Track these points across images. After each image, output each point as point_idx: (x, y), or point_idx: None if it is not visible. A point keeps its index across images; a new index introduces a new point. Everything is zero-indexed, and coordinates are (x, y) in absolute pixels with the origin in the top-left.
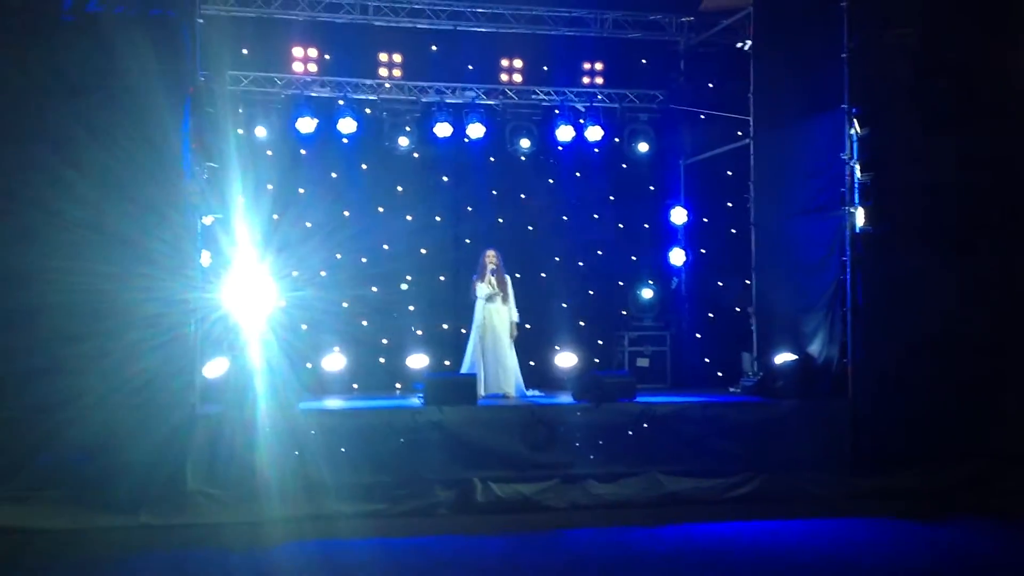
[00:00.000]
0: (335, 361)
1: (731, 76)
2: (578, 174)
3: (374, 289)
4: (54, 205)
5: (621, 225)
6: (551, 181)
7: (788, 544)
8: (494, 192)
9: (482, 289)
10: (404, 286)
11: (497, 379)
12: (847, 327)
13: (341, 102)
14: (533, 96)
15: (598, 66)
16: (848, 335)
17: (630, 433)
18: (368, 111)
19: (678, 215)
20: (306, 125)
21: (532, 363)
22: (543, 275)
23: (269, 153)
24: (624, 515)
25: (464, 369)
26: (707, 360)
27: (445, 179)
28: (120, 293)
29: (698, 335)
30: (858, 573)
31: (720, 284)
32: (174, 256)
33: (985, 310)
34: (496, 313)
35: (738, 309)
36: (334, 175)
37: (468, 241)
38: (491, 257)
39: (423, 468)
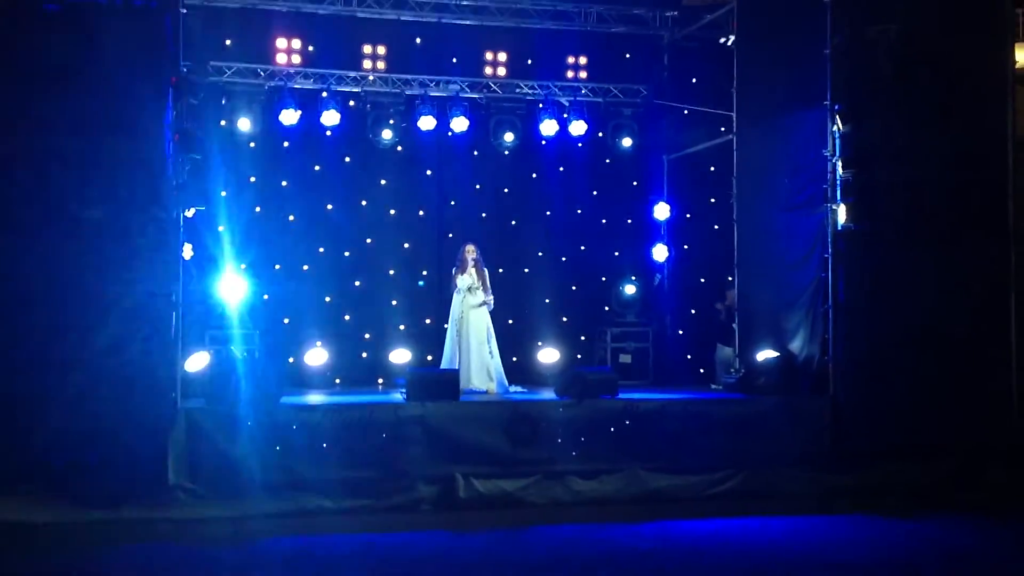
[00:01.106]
0: (317, 355)
1: (715, 71)
2: (562, 169)
3: (357, 283)
4: (35, 197)
5: (604, 220)
6: (534, 175)
7: (769, 541)
8: (477, 186)
9: (463, 281)
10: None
11: (479, 374)
12: (828, 324)
13: (324, 94)
14: (517, 90)
15: (582, 60)
16: (829, 332)
17: (612, 430)
18: (352, 103)
19: (661, 211)
20: (289, 117)
21: (515, 359)
22: (526, 270)
23: (252, 145)
24: (605, 511)
25: (444, 364)
26: (689, 357)
27: (428, 173)
28: (101, 286)
29: (680, 332)
30: (839, 569)
31: (702, 280)
32: (156, 248)
33: (966, 306)
34: (474, 308)
35: (719, 306)
36: (317, 168)
37: (451, 235)
38: (471, 251)
39: (405, 464)
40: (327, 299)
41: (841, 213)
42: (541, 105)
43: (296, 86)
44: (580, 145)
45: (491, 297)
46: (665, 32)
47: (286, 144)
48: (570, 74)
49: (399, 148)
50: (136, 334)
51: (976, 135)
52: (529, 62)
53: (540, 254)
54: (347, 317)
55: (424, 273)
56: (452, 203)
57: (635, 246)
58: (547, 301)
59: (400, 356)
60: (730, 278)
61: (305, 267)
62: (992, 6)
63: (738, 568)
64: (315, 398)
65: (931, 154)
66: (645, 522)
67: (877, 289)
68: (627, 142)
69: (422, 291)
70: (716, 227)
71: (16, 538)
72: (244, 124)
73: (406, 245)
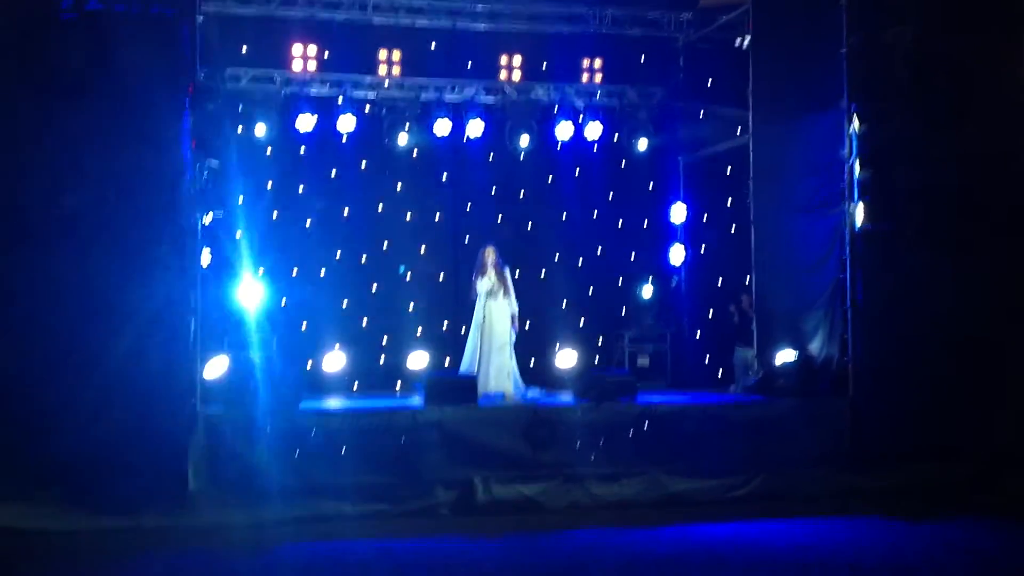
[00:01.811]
0: (335, 360)
1: (730, 73)
2: (577, 171)
3: (374, 287)
4: (54, 204)
5: (620, 223)
6: (550, 179)
7: (789, 544)
8: (493, 190)
9: (483, 284)
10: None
11: (498, 378)
12: (847, 325)
13: (340, 100)
14: (532, 93)
15: (597, 63)
16: (848, 333)
17: (631, 433)
18: (367, 109)
19: (678, 213)
20: (305, 123)
21: (532, 362)
22: (542, 273)
23: (268, 151)
24: (625, 515)
25: (463, 368)
26: (707, 359)
27: (444, 177)
28: (120, 292)
29: (698, 334)
30: (859, 571)
31: (720, 282)
32: (174, 255)
33: (984, 307)
34: (497, 311)
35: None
36: (333, 173)
37: (467, 239)
38: (489, 253)
39: (423, 468)
40: (344, 304)
41: (859, 214)
42: (556, 108)
43: (312, 92)
44: (596, 148)
45: (516, 305)
46: (680, 34)
47: (302, 150)
48: (585, 77)
49: (415, 153)
50: (155, 340)
51: (994, 135)
52: (544, 65)
53: (556, 257)
54: (364, 322)
55: (441, 275)
56: (468, 207)
57: (652, 248)
58: (564, 304)
59: (418, 360)
60: (747, 280)
61: (322, 272)
62: (1008, 7)
63: (758, 571)
64: (333, 403)
65: (949, 154)
66: (665, 526)
67: (896, 290)
68: (643, 144)
69: (439, 294)
70: (733, 228)
71: (36, 545)
72: (261, 130)
73: (422, 249)
